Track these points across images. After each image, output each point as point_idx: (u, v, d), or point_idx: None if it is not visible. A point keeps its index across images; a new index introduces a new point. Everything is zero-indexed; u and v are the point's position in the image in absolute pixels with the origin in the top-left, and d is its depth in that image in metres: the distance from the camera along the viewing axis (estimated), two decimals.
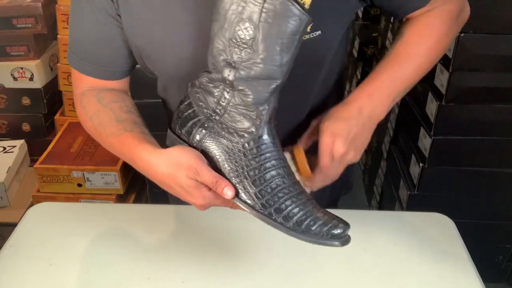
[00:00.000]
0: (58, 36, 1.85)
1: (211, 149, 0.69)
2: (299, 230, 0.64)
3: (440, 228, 0.94)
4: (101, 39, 0.80)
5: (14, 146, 1.93)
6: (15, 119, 2.06)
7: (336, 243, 0.64)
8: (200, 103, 0.69)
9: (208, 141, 0.69)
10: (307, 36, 0.74)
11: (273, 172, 0.66)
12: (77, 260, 0.85)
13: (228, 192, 0.65)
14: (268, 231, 0.84)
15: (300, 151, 0.76)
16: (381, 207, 2.06)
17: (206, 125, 0.69)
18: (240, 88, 0.65)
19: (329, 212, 0.66)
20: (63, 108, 2.00)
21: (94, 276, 0.82)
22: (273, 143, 0.68)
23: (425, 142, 1.57)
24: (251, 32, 0.61)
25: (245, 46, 0.62)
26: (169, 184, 0.70)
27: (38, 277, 0.82)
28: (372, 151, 2.32)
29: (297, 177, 0.74)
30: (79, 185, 1.73)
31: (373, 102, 0.75)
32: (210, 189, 0.67)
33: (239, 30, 0.62)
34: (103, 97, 0.82)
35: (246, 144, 0.67)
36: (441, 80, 1.47)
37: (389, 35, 2.09)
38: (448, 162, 1.57)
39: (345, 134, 0.73)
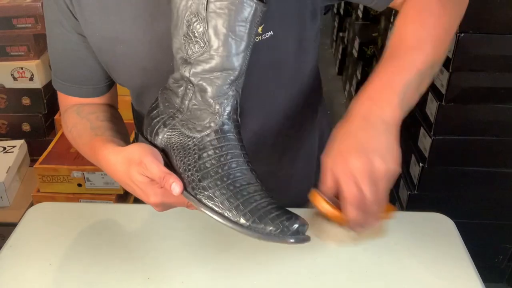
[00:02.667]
0: None
1: (170, 147, 0.68)
2: (244, 224, 0.60)
3: (440, 228, 0.94)
4: (76, 59, 0.82)
5: (14, 146, 1.93)
6: (15, 119, 2.06)
7: (292, 240, 0.59)
8: (166, 104, 0.70)
9: (168, 139, 0.68)
10: (259, 38, 0.73)
11: (232, 164, 0.63)
12: (77, 260, 0.85)
13: (176, 188, 0.62)
14: None
15: (314, 195, 0.64)
16: None
17: (167, 123, 0.69)
18: (198, 83, 0.65)
19: (286, 209, 0.61)
20: None
21: (94, 276, 0.82)
22: (231, 138, 0.65)
23: (425, 142, 1.57)
24: (201, 25, 0.61)
25: (198, 39, 0.62)
26: (126, 182, 0.69)
27: (38, 277, 0.82)
28: None
29: (334, 229, 0.65)
30: (79, 185, 1.73)
31: (377, 103, 0.63)
32: (162, 186, 0.65)
33: (190, 24, 0.62)
34: (83, 110, 0.84)
35: (202, 139, 0.65)
36: (441, 80, 1.47)
37: (389, 34, 2.09)
38: (448, 162, 1.57)
39: (355, 144, 0.61)
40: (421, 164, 1.59)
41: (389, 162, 0.60)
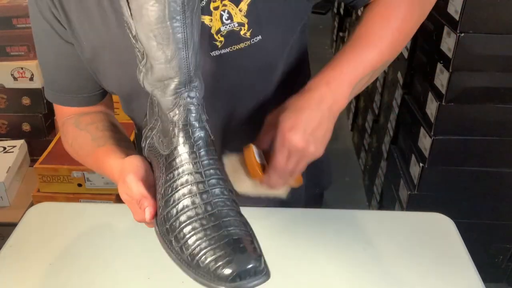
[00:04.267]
0: None
1: (150, 162, 0.65)
2: (191, 264, 0.53)
3: (440, 228, 0.94)
4: (68, 67, 0.81)
5: (14, 146, 1.93)
6: (15, 119, 2.06)
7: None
8: (151, 111, 0.66)
9: (148, 153, 0.66)
10: (248, 42, 0.73)
11: (184, 190, 0.56)
12: (77, 260, 0.85)
13: (147, 214, 0.60)
14: (268, 231, 0.84)
15: (250, 151, 0.70)
16: (381, 207, 2.06)
17: (148, 135, 0.66)
18: (151, 92, 0.60)
19: (244, 244, 0.53)
20: None
21: (94, 276, 0.82)
22: (189, 155, 0.57)
23: (425, 142, 1.57)
24: (132, 29, 0.57)
25: (135, 45, 0.58)
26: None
27: (38, 277, 0.82)
28: (372, 151, 2.32)
29: (248, 181, 0.71)
30: (79, 185, 1.73)
31: (333, 91, 0.69)
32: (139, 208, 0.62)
33: (126, 28, 0.58)
34: (81, 121, 0.84)
35: (165, 158, 0.60)
36: (441, 80, 1.47)
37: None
38: (448, 162, 1.57)
39: (303, 127, 0.66)
40: (421, 164, 1.59)
41: (320, 150, 0.68)
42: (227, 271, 0.50)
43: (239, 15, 0.72)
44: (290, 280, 0.82)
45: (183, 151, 0.58)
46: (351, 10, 2.60)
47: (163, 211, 0.57)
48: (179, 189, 0.57)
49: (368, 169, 2.39)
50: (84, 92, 0.84)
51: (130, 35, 0.58)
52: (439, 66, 1.49)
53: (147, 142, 0.66)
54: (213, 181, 0.57)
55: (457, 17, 1.37)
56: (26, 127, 2.07)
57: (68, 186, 1.73)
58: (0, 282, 0.81)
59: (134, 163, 0.65)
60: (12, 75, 1.95)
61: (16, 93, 1.99)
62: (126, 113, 0.89)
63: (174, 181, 0.57)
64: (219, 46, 0.72)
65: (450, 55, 1.41)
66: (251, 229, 0.58)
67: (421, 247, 0.88)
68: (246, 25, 0.72)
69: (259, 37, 0.73)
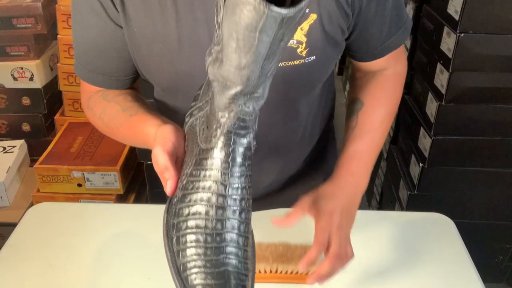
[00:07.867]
0: (58, 36, 1.85)
1: (187, 138, 0.63)
2: (180, 273, 0.55)
3: (440, 228, 0.94)
4: (109, 50, 0.80)
5: (14, 146, 1.93)
6: (15, 119, 2.06)
7: None
8: (206, 88, 0.62)
9: (188, 129, 0.64)
10: (302, 61, 0.74)
11: (203, 195, 0.54)
12: (77, 260, 0.85)
13: (168, 188, 0.59)
14: (268, 231, 0.84)
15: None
16: (381, 207, 2.06)
17: (193, 113, 0.64)
18: (211, 81, 0.55)
19: (236, 282, 0.53)
20: (63, 108, 2.00)
21: (94, 276, 0.82)
22: (222, 163, 0.54)
23: (425, 142, 1.57)
24: (218, 14, 0.51)
25: (216, 29, 0.53)
26: None
27: (38, 277, 0.82)
28: None
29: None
30: (79, 185, 1.73)
31: (355, 179, 0.81)
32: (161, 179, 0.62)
33: (215, 22, 0.53)
34: (108, 94, 0.83)
35: (200, 150, 0.56)
36: (441, 80, 1.47)
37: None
38: (448, 162, 1.57)
39: (338, 211, 0.76)
40: (421, 164, 1.59)
41: (351, 225, 0.79)
42: None
43: (299, 33, 0.73)
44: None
45: (217, 156, 0.54)
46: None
47: (177, 204, 0.55)
48: (199, 192, 0.54)
49: None
50: (118, 75, 0.83)
51: (215, 18, 0.52)
52: (439, 66, 1.49)
53: (191, 120, 0.63)
54: (234, 198, 0.54)
55: (457, 17, 1.37)
56: (26, 127, 2.07)
57: (68, 186, 1.73)
58: (0, 282, 0.81)
59: (163, 135, 0.64)
60: (12, 75, 1.95)
61: (16, 93, 2.00)
62: (157, 98, 0.89)
63: (198, 181, 0.54)
64: None
65: (450, 55, 1.41)
66: (253, 264, 0.55)
67: (421, 247, 0.88)
68: (304, 44, 0.74)
69: (313, 57, 0.75)
